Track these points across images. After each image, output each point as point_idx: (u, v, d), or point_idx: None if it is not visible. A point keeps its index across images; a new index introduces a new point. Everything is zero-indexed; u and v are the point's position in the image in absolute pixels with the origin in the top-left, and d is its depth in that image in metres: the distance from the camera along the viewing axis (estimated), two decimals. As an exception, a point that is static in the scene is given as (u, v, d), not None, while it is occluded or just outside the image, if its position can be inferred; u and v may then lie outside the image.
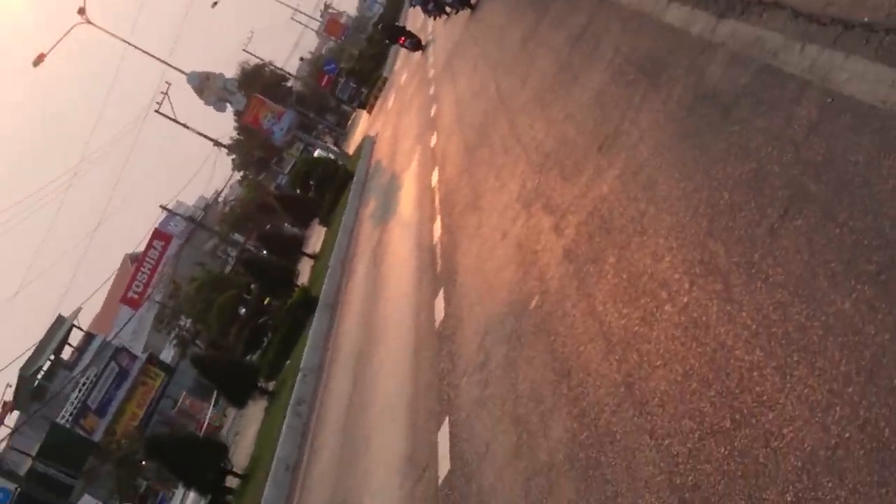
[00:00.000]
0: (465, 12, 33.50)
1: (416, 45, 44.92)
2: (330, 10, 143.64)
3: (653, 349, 6.72)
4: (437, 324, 13.71)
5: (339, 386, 20.19)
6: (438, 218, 17.89)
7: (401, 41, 44.56)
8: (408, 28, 48.13)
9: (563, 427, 7.50)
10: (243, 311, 32.54)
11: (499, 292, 11.28)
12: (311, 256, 39.99)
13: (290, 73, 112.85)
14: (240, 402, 28.88)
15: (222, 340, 35.92)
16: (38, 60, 55.19)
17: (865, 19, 6.33)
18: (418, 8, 39.70)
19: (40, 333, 71.54)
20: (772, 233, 5.98)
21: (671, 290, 6.89)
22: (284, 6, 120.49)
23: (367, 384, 17.17)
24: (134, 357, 63.81)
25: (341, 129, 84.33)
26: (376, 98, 68.16)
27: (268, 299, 35.04)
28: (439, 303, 14.16)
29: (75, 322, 73.49)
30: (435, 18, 42.25)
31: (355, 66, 79.74)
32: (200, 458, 23.91)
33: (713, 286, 6.35)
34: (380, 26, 64.58)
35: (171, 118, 67.82)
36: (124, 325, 72.07)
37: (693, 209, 7.23)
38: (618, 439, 6.54)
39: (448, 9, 33.75)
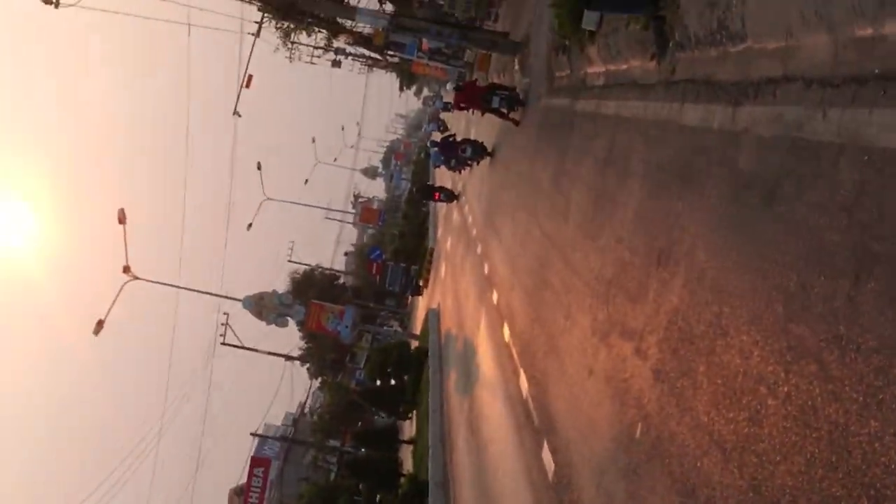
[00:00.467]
0: (485, 161, 34.13)
1: (450, 196, 46.71)
2: (360, 200, 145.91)
3: (768, 446, 6.61)
4: (550, 476, 13.57)
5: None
6: (521, 371, 17.84)
7: (436, 197, 46.49)
8: (438, 185, 49.76)
9: (703, 548, 7.35)
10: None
11: (601, 429, 11.18)
12: (408, 442, 39.86)
13: (339, 271, 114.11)
14: None
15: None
16: (98, 328, 56.12)
17: (876, 70, 6.37)
18: (443, 167, 40.81)
19: None
20: (850, 301, 5.93)
21: (769, 384, 6.80)
22: (316, 209, 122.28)
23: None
24: None
25: (403, 309, 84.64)
26: (428, 272, 68.67)
27: (379, 496, 34.81)
28: (546, 455, 14.03)
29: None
30: (459, 173, 43.11)
31: (399, 245, 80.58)
32: None
33: (809, 368, 6.27)
34: (415, 189, 65.78)
35: (237, 346, 68.59)
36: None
37: (766, 298, 7.18)
38: (761, 546, 6.39)
39: (469, 162, 34.54)
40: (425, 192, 54.62)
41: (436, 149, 36.75)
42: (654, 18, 11.92)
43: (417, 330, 60.24)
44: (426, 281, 69.59)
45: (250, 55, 48.39)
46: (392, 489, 33.59)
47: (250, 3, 41.80)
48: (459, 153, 33.39)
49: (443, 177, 60.63)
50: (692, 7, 10.30)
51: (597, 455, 11.12)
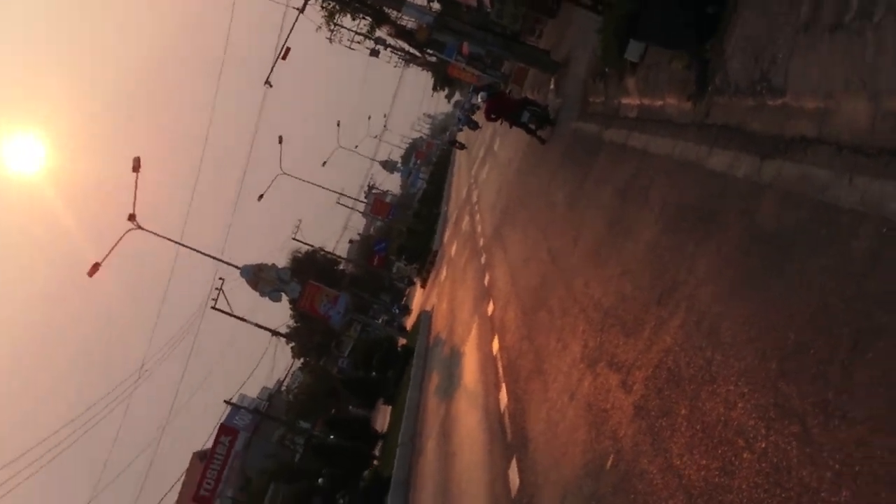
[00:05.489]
0: (519, 156, 32.07)
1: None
2: (374, 191, 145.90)
3: (736, 499, 6.58)
4: (513, 493, 13.54)
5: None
6: (504, 386, 17.80)
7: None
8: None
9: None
10: (316, 500, 32.26)
11: (573, 455, 11.14)
12: (379, 437, 39.80)
13: (341, 257, 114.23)
14: None
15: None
16: (93, 270, 56.02)
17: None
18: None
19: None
20: (844, 369, 5.89)
21: (748, 437, 6.77)
22: (330, 192, 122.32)
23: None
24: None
25: (398, 305, 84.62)
26: (429, 272, 68.66)
27: (340, 485, 34.84)
28: (513, 471, 14.00)
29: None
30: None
31: (405, 242, 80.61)
32: None
33: (791, 428, 6.23)
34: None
35: (227, 313, 68.46)
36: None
37: (760, 352, 7.14)
38: None
39: (526, 126, 29.91)
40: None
41: (477, 102, 34.08)
42: (697, 59, 11.89)
43: (408, 327, 60.21)
44: (423, 281, 69.62)
45: (292, 28, 48.30)
46: (357, 480, 33.53)
47: None
48: (508, 113, 29.54)
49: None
50: (738, 54, 10.28)
51: (563, 479, 11.09)
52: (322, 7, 48.44)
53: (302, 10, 47.21)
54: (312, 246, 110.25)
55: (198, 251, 62.16)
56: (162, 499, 77.21)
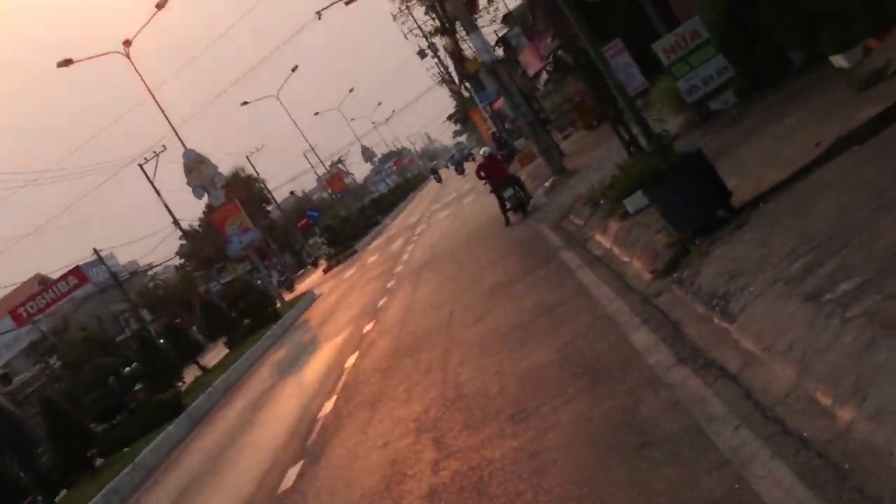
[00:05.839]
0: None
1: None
2: (339, 165, 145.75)
3: None
4: (279, 491, 13.52)
5: (158, 500, 19.92)
6: (335, 398, 17.81)
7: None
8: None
9: None
10: (112, 379, 31.79)
11: (353, 494, 11.14)
12: (202, 368, 39.51)
13: (274, 200, 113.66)
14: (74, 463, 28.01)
15: (78, 397, 35.14)
16: (65, 63, 55.44)
17: (805, 434, 6.46)
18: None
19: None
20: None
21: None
22: (303, 141, 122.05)
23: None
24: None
25: (290, 273, 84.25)
26: (338, 263, 68.54)
27: (139, 386, 34.44)
28: (293, 472, 13.99)
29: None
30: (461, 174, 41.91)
31: (336, 225, 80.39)
32: None
33: None
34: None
35: (149, 179, 67.91)
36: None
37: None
38: None
39: (505, 200, 29.24)
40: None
41: (474, 159, 34.12)
42: (682, 245, 12.05)
43: (287, 298, 60.02)
44: (328, 269, 69.48)
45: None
46: (167, 387, 33.14)
47: None
48: (495, 181, 29.54)
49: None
50: (716, 264, 10.42)
51: (331, 508, 11.09)
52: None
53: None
54: (258, 174, 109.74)
55: (162, 111, 61.57)
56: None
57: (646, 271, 13.02)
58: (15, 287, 78.72)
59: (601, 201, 18.97)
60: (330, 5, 56.60)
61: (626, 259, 14.68)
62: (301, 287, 64.82)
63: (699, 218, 11.95)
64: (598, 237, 17.72)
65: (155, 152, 69.92)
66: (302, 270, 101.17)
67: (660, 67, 21.66)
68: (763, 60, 20.15)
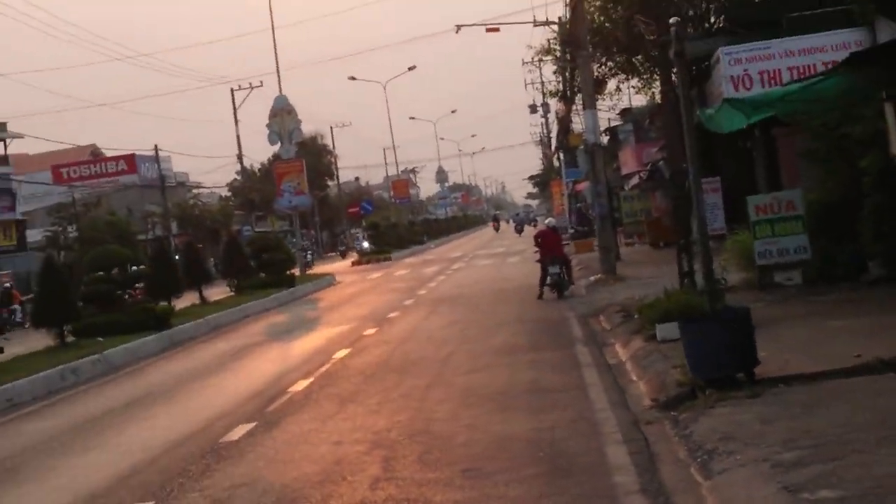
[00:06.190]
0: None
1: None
2: (409, 174, 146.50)
3: None
4: (221, 440, 13.55)
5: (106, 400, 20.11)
6: (310, 380, 18.00)
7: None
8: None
9: None
10: (116, 270, 31.83)
11: (289, 472, 11.20)
12: (202, 298, 39.56)
13: (338, 178, 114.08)
14: None
15: (78, 273, 35.39)
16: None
17: None
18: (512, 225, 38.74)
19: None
20: None
21: None
22: (389, 136, 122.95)
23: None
24: (11, 207, 62.66)
25: (313, 253, 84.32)
26: (368, 262, 68.70)
27: (139, 286, 34.67)
28: (242, 430, 14.01)
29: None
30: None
31: (382, 228, 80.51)
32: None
33: None
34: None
35: (234, 105, 68.73)
36: (34, 183, 71.31)
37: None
38: None
39: (548, 273, 28.74)
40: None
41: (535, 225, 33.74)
42: (691, 388, 12.05)
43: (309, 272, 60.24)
44: (356, 263, 69.66)
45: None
46: (162, 300, 33.04)
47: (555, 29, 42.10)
48: (546, 253, 29.61)
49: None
50: (717, 419, 10.43)
51: (263, 478, 11.14)
52: (553, 48, 48.68)
53: (541, 24, 47.71)
54: (334, 147, 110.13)
55: (275, 51, 62.34)
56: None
57: (648, 397, 13.02)
58: (69, 147, 79.51)
59: (635, 315, 18.99)
60: (472, 25, 57.11)
61: (634, 378, 14.68)
62: (320, 269, 64.93)
63: (719, 371, 11.92)
64: (618, 347, 17.72)
65: (251, 84, 70.71)
66: (332, 253, 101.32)
67: (742, 215, 21.71)
68: (842, 259, 20.14)
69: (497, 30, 51.66)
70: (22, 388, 20.90)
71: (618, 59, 40.16)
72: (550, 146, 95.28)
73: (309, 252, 74.89)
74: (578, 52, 33.95)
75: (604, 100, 46.45)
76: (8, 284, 49.79)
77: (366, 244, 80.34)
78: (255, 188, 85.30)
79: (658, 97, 38.55)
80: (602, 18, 38.19)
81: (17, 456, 14.74)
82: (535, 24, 49.25)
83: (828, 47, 25.34)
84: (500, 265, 49.25)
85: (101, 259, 31.70)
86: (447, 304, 30.36)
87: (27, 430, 17.19)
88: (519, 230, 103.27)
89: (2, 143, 69.94)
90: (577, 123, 56.18)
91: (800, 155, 24.07)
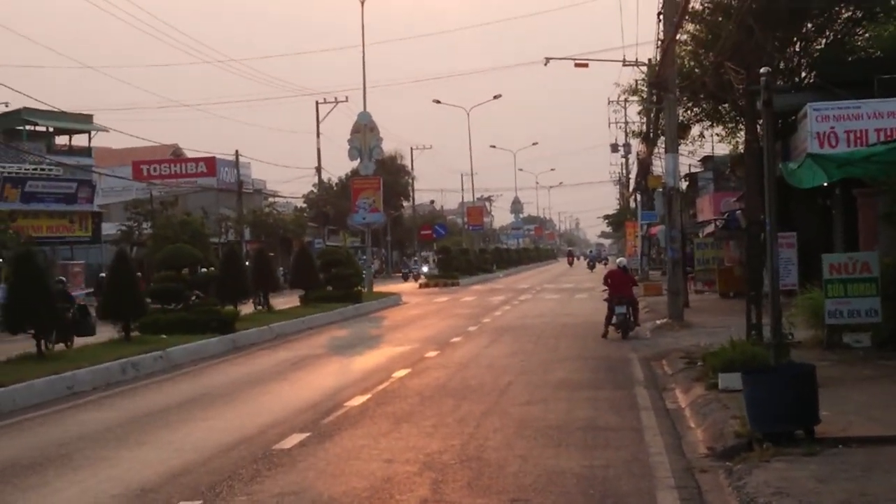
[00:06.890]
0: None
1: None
2: (484, 202, 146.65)
3: None
4: (274, 447, 13.61)
5: (164, 398, 20.24)
6: (367, 396, 18.08)
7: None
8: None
9: None
10: (186, 270, 32.11)
11: (338, 485, 11.23)
12: (269, 305, 39.81)
13: (413, 200, 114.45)
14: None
15: (149, 269, 35.79)
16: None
17: None
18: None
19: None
20: None
21: None
22: (468, 163, 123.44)
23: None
24: (89, 199, 63.36)
25: (389, 269, 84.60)
26: (436, 285, 68.84)
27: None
28: (296, 438, 14.08)
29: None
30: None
31: (455, 254, 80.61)
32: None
33: None
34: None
35: (318, 117, 69.49)
36: (115, 177, 72.24)
37: None
38: None
39: (615, 312, 28.53)
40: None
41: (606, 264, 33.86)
42: (750, 440, 11.94)
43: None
44: (423, 286, 69.73)
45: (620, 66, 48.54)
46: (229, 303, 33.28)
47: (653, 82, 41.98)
48: (615, 293, 29.56)
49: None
50: (772, 474, 10.35)
51: (316, 491, 11.16)
52: (640, 88, 48.68)
53: (630, 62, 47.67)
54: (412, 169, 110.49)
55: (363, 67, 62.64)
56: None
57: (704, 445, 12.92)
58: (151, 145, 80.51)
59: (699, 362, 18.82)
60: (561, 58, 57.25)
61: (692, 425, 14.56)
62: (390, 287, 65.04)
63: (779, 426, 11.81)
64: (679, 393, 17.59)
65: (336, 98, 71.34)
66: (398, 273, 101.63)
67: (815, 273, 21.47)
68: (914, 325, 19.85)
69: (586, 65, 51.82)
70: (83, 378, 21.09)
71: (704, 105, 40.00)
72: (628, 186, 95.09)
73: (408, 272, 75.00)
74: (665, 94, 33.89)
75: (686, 145, 46.33)
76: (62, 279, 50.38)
77: (425, 268, 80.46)
78: (330, 201, 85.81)
79: (741, 147, 38.24)
80: (692, 63, 38.14)
81: (72, 443, 14.89)
82: (625, 63, 49.35)
83: (918, 112, 24.99)
84: (567, 300, 49.11)
85: (173, 258, 31.98)
86: (510, 334, 30.32)
87: (84, 420, 17.35)
88: (591, 266, 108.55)
89: (87, 135, 71.10)
90: (658, 166, 56.10)
91: (879, 217, 23.79)
